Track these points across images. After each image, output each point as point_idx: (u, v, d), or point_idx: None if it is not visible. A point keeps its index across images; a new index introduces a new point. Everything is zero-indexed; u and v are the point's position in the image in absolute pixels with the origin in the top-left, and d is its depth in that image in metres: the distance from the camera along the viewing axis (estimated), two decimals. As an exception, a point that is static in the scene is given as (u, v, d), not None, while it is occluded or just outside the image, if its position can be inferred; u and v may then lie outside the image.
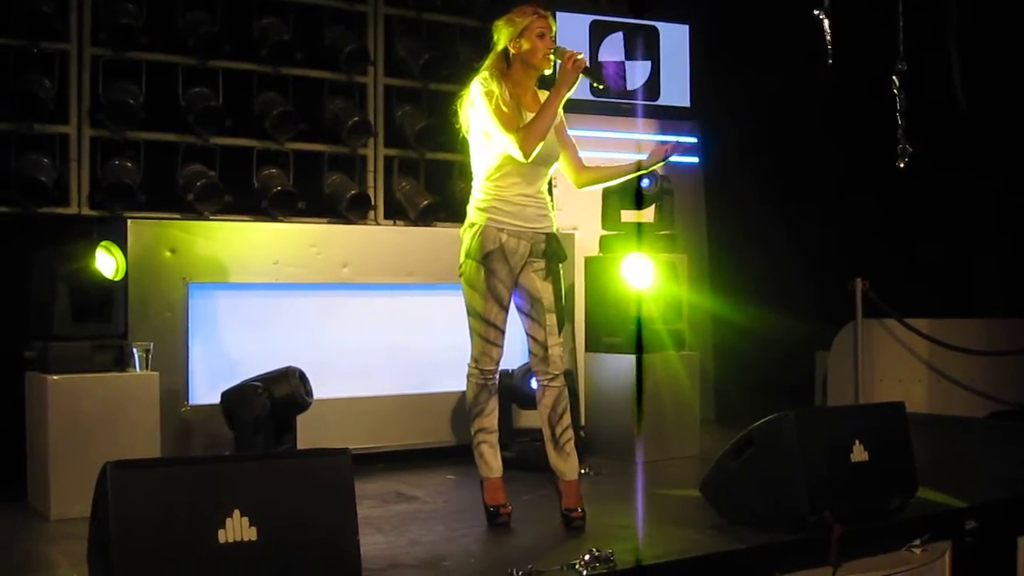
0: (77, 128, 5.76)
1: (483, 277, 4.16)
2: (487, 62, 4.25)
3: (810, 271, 7.78)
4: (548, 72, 4.22)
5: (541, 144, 4.04)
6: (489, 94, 4.10)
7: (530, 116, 4.12)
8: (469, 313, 4.24)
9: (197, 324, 5.43)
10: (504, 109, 4.08)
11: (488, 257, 4.15)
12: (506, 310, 4.23)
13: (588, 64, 4.11)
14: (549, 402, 4.26)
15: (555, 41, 4.22)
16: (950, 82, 5.99)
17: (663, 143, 4.41)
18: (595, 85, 4.27)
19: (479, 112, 4.14)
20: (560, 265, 4.31)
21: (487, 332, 4.21)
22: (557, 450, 4.27)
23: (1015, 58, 7.14)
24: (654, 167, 4.37)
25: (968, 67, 6.15)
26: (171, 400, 5.17)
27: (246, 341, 5.59)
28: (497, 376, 4.32)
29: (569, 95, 4.12)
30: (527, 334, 4.30)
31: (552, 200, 4.39)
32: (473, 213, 4.23)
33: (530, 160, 4.05)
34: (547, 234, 4.26)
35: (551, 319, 4.25)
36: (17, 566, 3.85)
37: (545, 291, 4.24)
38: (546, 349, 4.25)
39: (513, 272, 4.19)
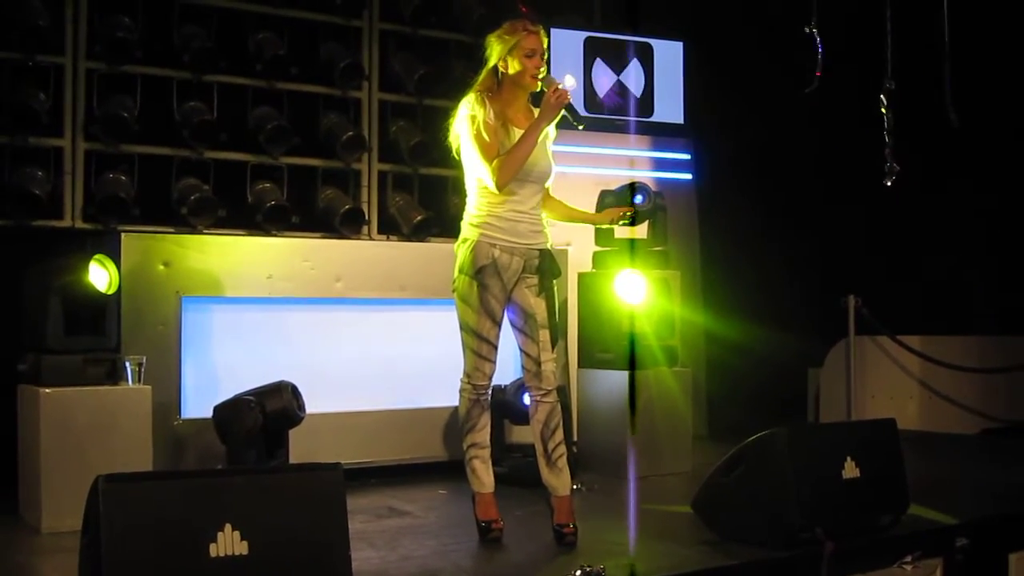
0: (71, 141, 5.77)
1: (476, 292, 4.17)
2: (479, 79, 4.27)
3: (803, 288, 7.80)
4: (538, 91, 4.22)
5: (513, 176, 4.08)
6: (472, 119, 4.14)
7: (519, 132, 4.15)
8: (462, 328, 4.25)
9: (190, 338, 5.43)
10: (485, 136, 4.11)
11: (481, 272, 4.16)
12: (499, 325, 4.23)
13: (571, 101, 4.08)
14: (542, 417, 4.27)
15: (545, 58, 4.21)
16: (942, 98, 6.01)
17: (619, 206, 4.50)
18: (575, 124, 4.19)
19: (462, 135, 4.19)
20: (555, 281, 4.32)
21: (480, 347, 4.22)
22: (549, 465, 4.27)
23: (1006, 74, 7.18)
24: (604, 225, 4.44)
25: (959, 83, 6.18)
26: (163, 414, 5.16)
27: (239, 355, 5.58)
28: (490, 391, 4.32)
29: (549, 128, 4.14)
30: (520, 349, 4.31)
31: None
32: (466, 229, 4.25)
33: (501, 191, 4.10)
34: (541, 250, 4.27)
35: (544, 335, 4.25)
36: (7, 580, 3.85)
37: (539, 307, 4.25)
38: (539, 365, 4.25)
39: (506, 288, 4.20)
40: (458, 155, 4.29)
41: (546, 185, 4.32)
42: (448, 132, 4.31)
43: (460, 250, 4.24)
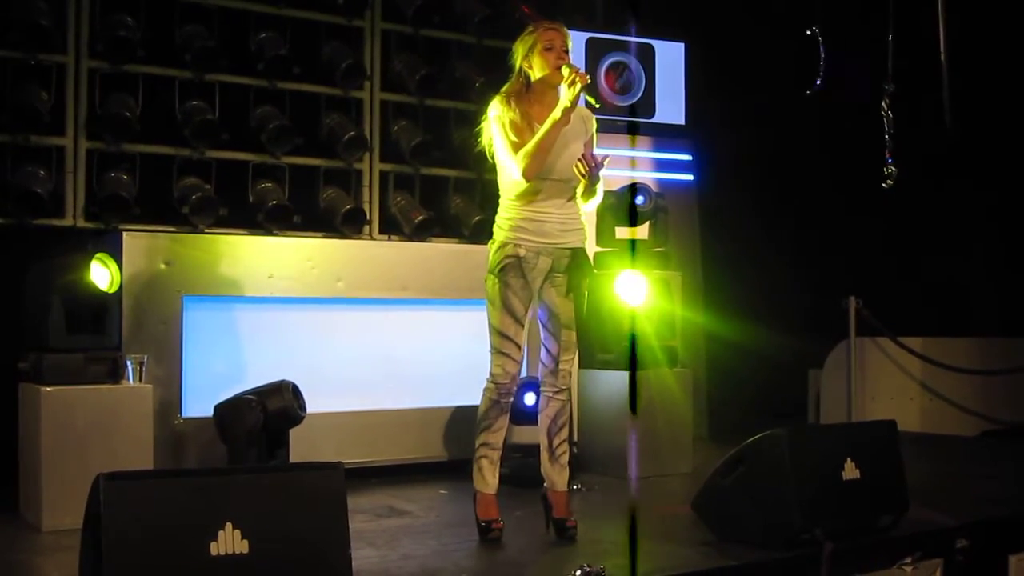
0: (73, 140, 5.78)
1: (499, 290, 4.24)
2: (508, 83, 4.35)
3: (804, 289, 7.80)
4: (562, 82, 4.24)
5: (539, 164, 4.11)
6: (498, 118, 4.23)
7: None
8: (489, 329, 4.30)
9: (191, 337, 5.43)
10: (510, 132, 4.18)
11: (504, 270, 4.23)
12: (521, 325, 4.28)
13: (587, 83, 4.12)
14: (551, 413, 4.35)
15: (567, 52, 4.25)
16: (941, 100, 6.01)
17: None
18: (594, 104, 4.31)
19: (493, 136, 4.26)
20: (586, 281, 4.35)
21: (502, 344, 4.26)
22: (552, 461, 4.35)
23: (1007, 77, 7.18)
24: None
25: (961, 86, 6.18)
26: (164, 412, 5.17)
27: (240, 354, 5.58)
28: (512, 395, 4.36)
29: (565, 112, 4.13)
30: (543, 345, 4.38)
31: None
32: (496, 230, 4.33)
33: (528, 181, 4.13)
34: (572, 249, 4.31)
35: (567, 335, 4.32)
36: (8, 578, 3.85)
37: (564, 307, 4.31)
38: (557, 363, 4.34)
39: (529, 287, 4.26)
40: (492, 159, 4.35)
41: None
42: (480, 137, 4.39)
43: (490, 251, 4.32)
